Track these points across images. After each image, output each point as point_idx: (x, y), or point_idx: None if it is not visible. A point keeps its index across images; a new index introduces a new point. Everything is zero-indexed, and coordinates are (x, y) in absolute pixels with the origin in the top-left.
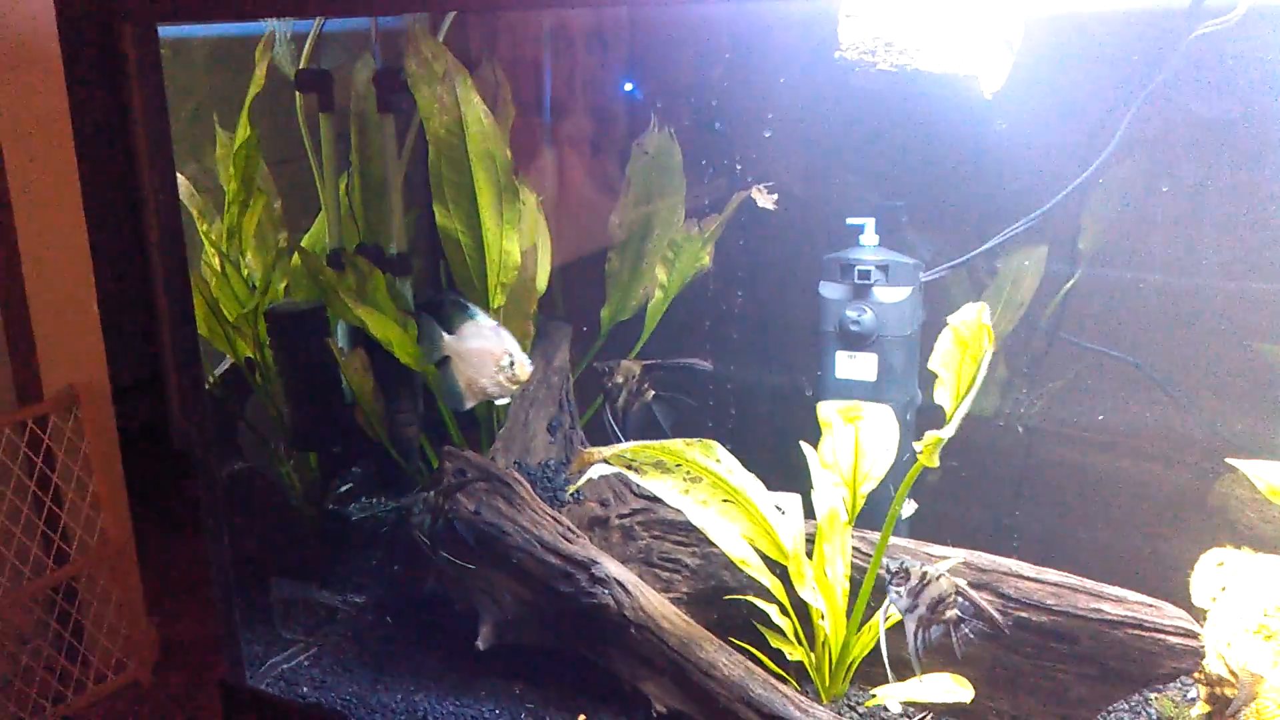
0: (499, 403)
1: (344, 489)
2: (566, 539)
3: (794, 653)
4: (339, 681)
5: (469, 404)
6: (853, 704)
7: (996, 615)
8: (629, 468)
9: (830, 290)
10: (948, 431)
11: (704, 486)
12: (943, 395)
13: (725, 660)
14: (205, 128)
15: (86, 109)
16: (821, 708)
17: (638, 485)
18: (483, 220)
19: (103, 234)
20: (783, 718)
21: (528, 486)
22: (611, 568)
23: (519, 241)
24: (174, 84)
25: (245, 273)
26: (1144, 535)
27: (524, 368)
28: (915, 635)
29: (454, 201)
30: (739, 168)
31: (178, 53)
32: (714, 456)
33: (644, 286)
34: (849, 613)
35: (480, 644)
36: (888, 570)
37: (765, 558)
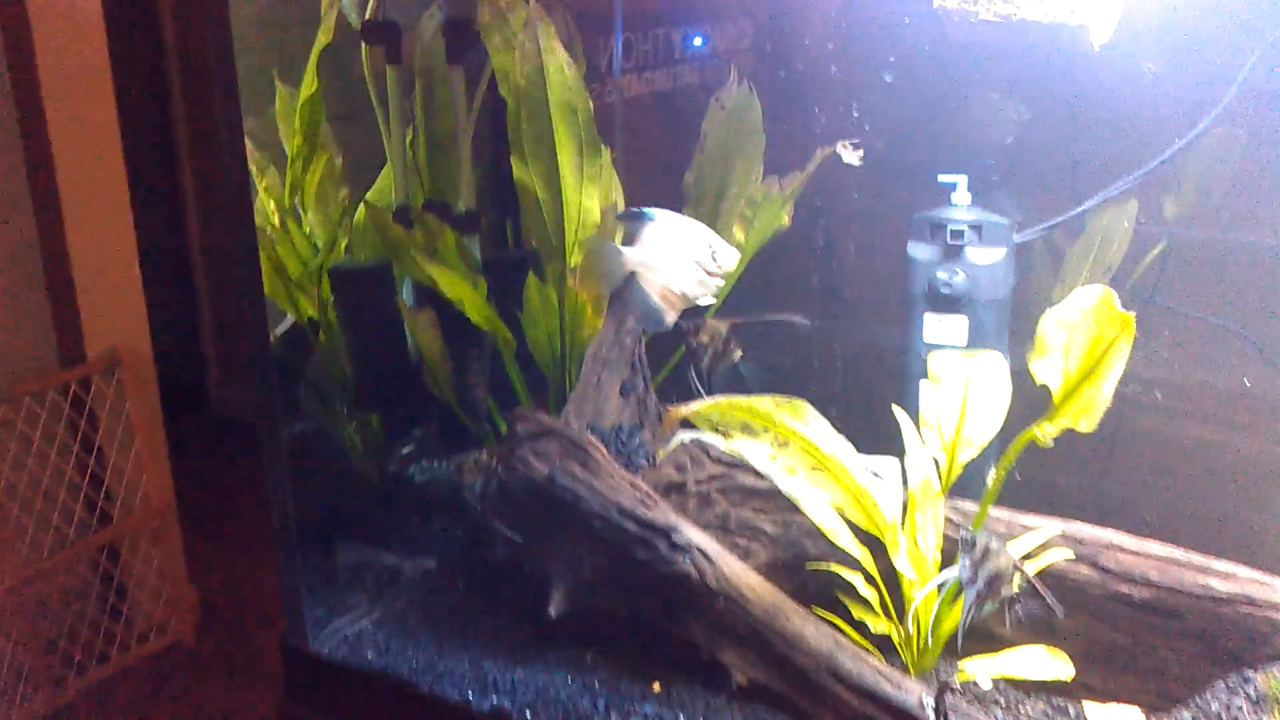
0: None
1: (407, 451)
2: (645, 504)
3: (880, 625)
4: (403, 647)
5: (671, 318)
6: (942, 678)
7: (1054, 603)
8: (714, 429)
9: (920, 250)
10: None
11: (792, 451)
12: (1050, 369)
13: (812, 631)
14: (259, 82)
15: (126, 65)
16: (912, 681)
17: (716, 450)
18: (562, 175)
19: (143, 197)
20: (872, 691)
21: (603, 450)
22: (692, 534)
23: (599, 198)
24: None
25: (307, 230)
26: (1247, 508)
27: (729, 255)
28: (969, 609)
29: (533, 155)
30: (824, 122)
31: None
32: (804, 419)
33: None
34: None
35: (552, 610)
36: (960, 540)
37: (853, 526)
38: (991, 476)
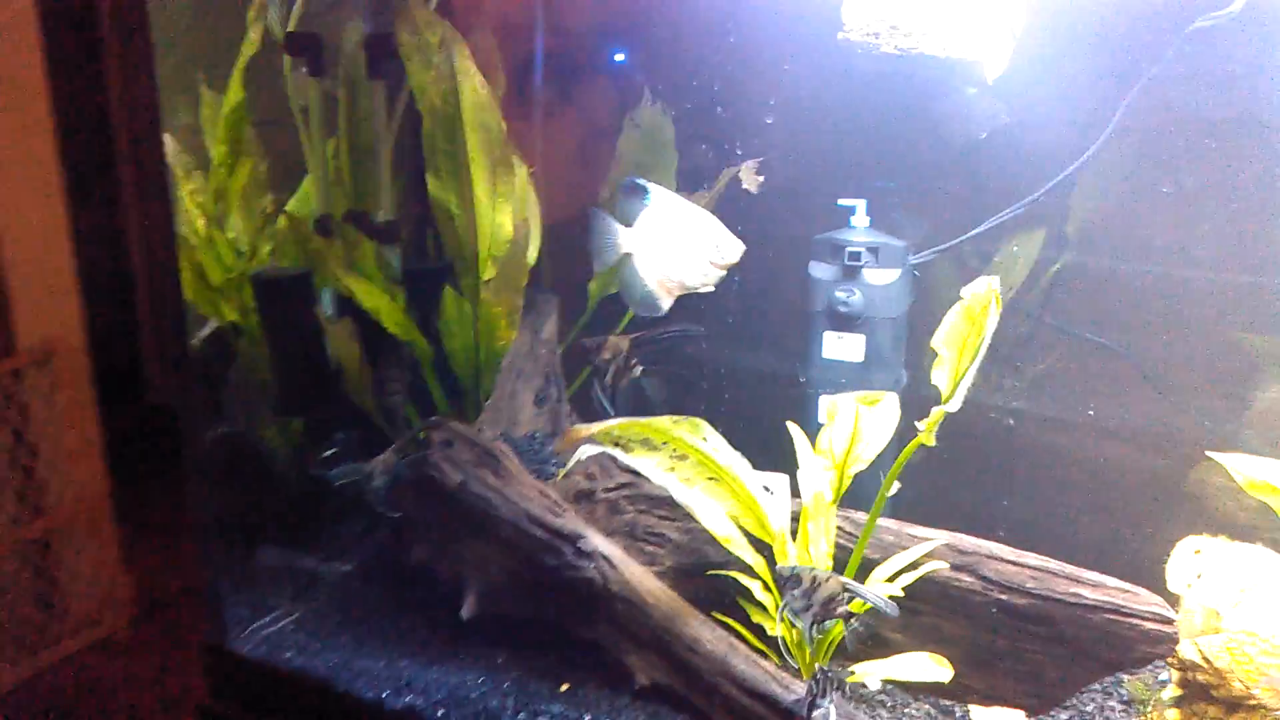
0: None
1: (328, 455)
2: (553, 512)
3: (775, 628)
4: (322, 647)
5: (666, 304)
6: (833, 680)
7: (887, 607)
8: (615, 445)
9: (820, 270)
10: (953, 406)
11: (690, 465)
12: (942, 374)
13: (709, 636)
14: (186, 83)
15: (61, 61)
16: (802, 683)
17: (622, 459)
18: (475, 192)
19: (78, 187)
20: (764, 693)
21: (515, 459)
22: (597, 541)
23: (511, 214)
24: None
25: (231, 236)
26: (1122, 521)
27: (735, 247)
28: (810, 630)
29: (447, 172)
30: (732, 146)
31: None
32: (701, 435)
33: None
34: None
35: (465, 613)
36: (780, 576)
37: (750, 535)
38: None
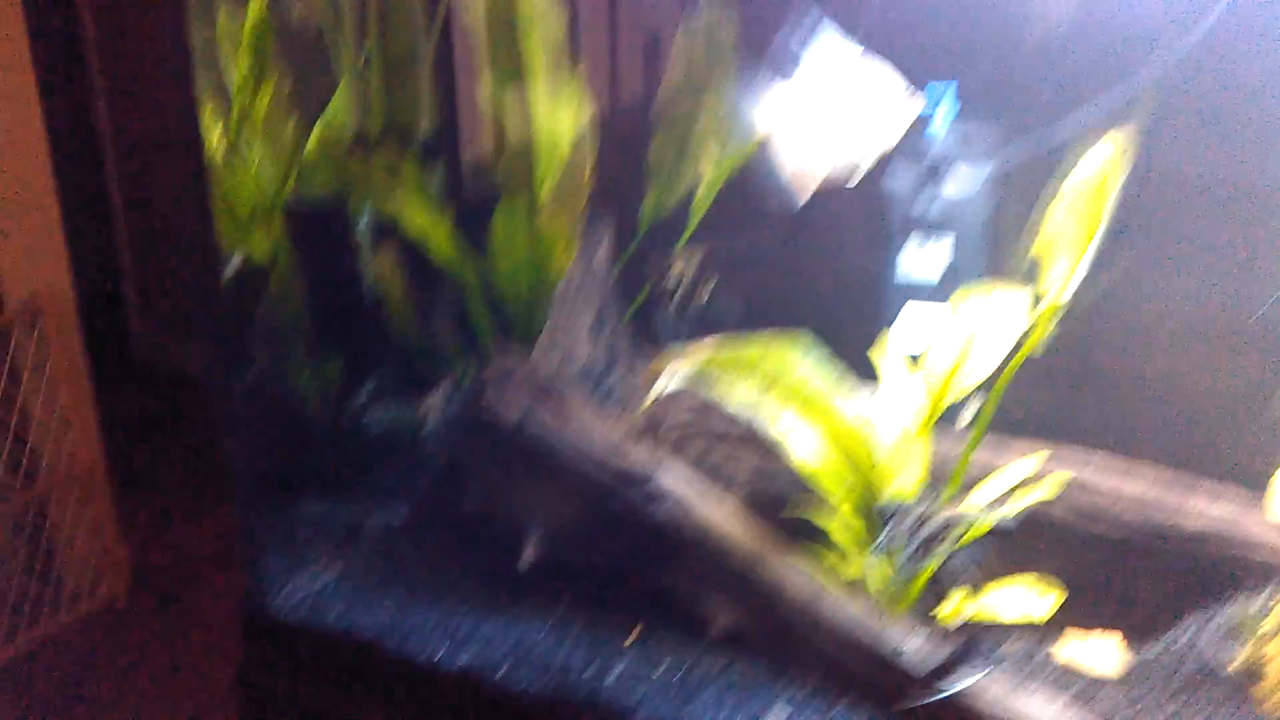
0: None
1: (365, 397)
2: (620, 451)
3: (854, 570)
4: (369, 605)
5: (802, 199)
6: (923, 619)
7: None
8: (702, 373)
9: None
10: (1064, 300)
11: (781, 391)
12: (1052, 264)
13: (794, 579)
14: None
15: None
16: (893, 627)
17: (689, 394)
18: (533, 97)
19: (61, 139)
20: (854, 636)
21: (576, 394)
22: (670, 481)
23: (572, 123)
24: None
25: (255, 163)
26: (1221, 438)
27: (911, 104)
28: (910, 564)
29: (501, 74)
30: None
31: None
32: (798, 354)
33: (689, 177)
34: None
35: (524, 563)
36: (881, 509)
37: (836, 468)
38: (977, 410)
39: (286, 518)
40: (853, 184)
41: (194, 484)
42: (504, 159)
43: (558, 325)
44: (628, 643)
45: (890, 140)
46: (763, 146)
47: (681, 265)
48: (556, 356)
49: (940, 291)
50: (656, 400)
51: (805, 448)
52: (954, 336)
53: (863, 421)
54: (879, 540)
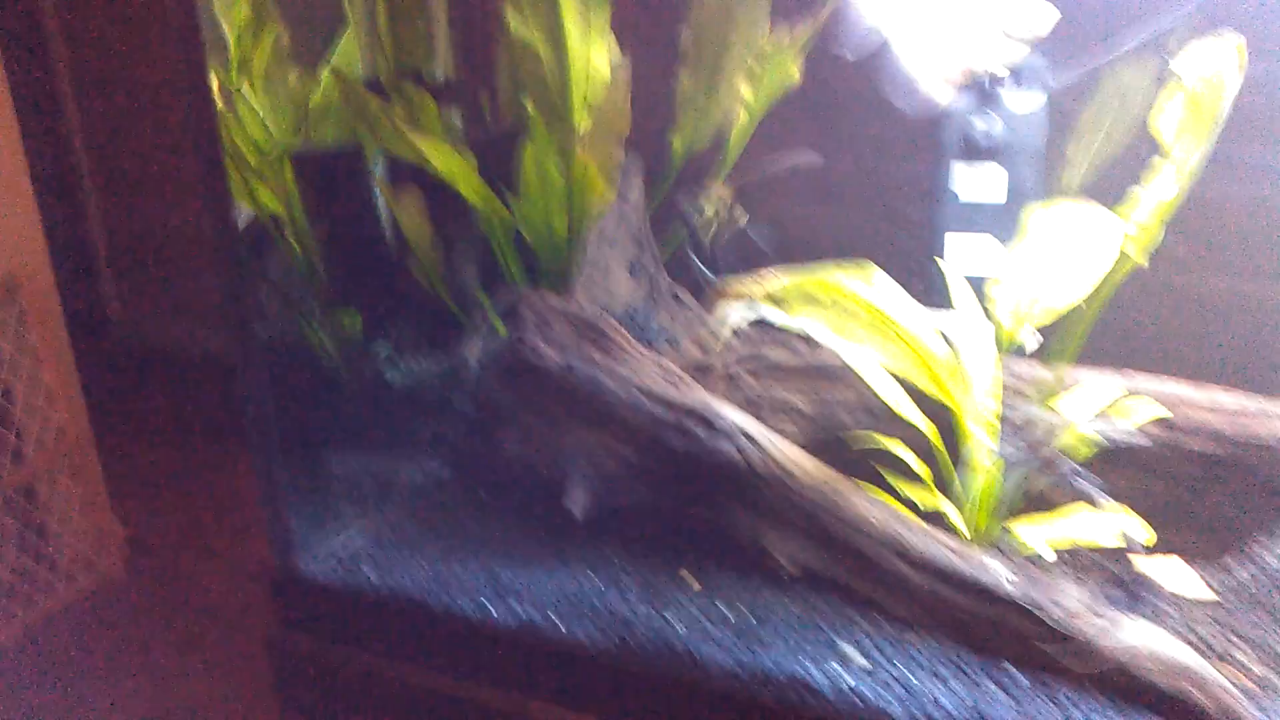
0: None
1: (390, 349)
2: (677, 387)
3: (931, 501)
4: (407, 562)
5: (941, 102)
6: (1002, 549)
7: (1135, 439)
8: (774, 303)
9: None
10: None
11: (856, 319)
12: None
13: (876, 512)
14: None
15: None
16: (987, 555)
17: (743, 327)
18: (566, 25)
19: (28, 116)
20: (946, 568)
21: (624, 331)
22: (734, 416)
23: (607, 51)
24: None
25: (260, 112)
26: None
27: (1043, 14)
28: (1017, 483)
29: (531, 5)
30: None
31: None
32: (869, 281)
33: (723, 109)
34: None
35: (575, 509)
36: (1003, 416)
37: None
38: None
39: (308, 477)
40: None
41: (184, 456)
42: (534, 90)
43: (594, 266)
44: (693, 588)
45: (1027, 44)
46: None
47: (714, 202)
48: (595, 298)
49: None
50: (732, 332)
51: (878, 377)
52: (1040, 254)
53: (945, 344)
54: (964, 465)
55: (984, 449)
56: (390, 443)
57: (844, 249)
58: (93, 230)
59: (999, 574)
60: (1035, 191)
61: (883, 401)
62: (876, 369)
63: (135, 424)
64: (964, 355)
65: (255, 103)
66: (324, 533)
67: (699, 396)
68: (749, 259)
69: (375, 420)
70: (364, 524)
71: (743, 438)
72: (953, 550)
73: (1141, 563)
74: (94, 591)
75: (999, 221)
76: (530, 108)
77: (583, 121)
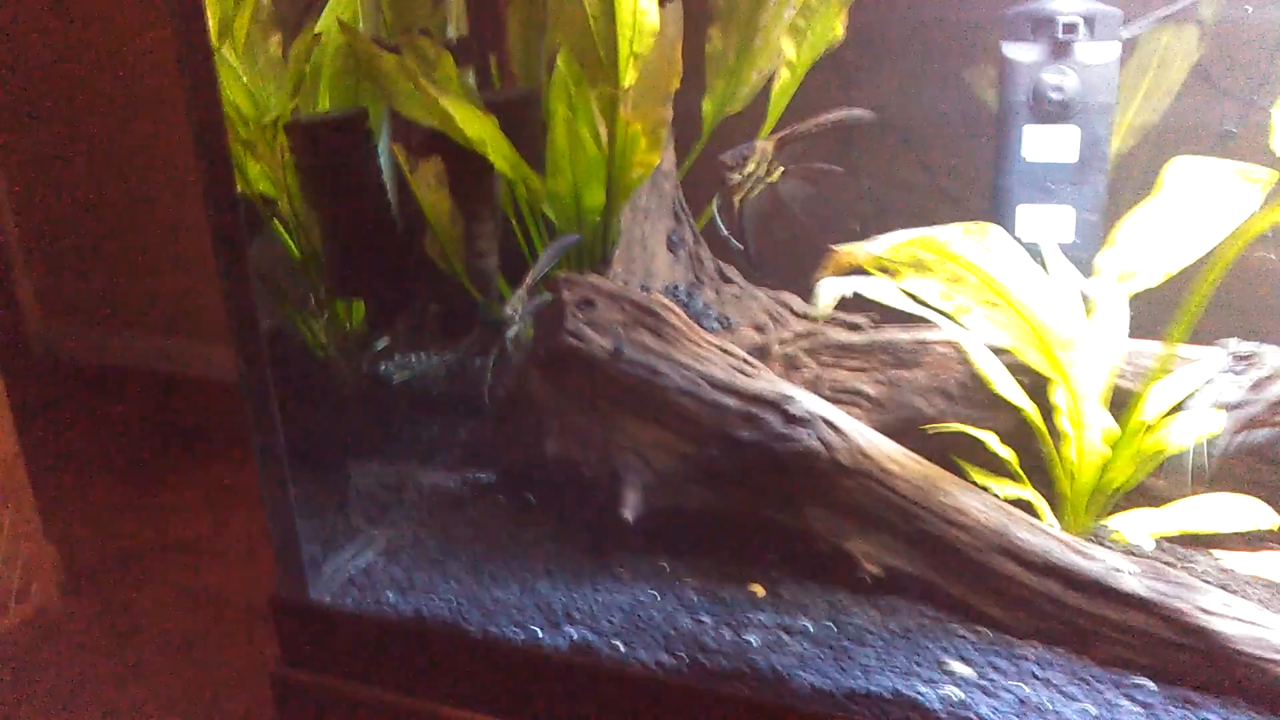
0: None
1: (380, 344)
2: (745, 372)
3: (1012, 492)
4: (432, 579)
5: None
6: (1103, 542)
7: None
8: (882, 270)
9: (1018, 51)
10: None
11: (968, 288)
12: None
13: (977, 504)
14: None
15: None
16: (1105, 549)
17: (800, 305)
18: None
19: None
20: (1063, 566)
21: (679, 312)
22: (812, 403)
23: None
24: None
25: (244, 80)
26: None
27: None
28: (1230, 439)
29: None
30: None
31: None
32: (987, 244)
33: (758, 69)
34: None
35: (627, 514)
36: (1232, 354)
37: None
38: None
39: (310, 489)
40: None
41: (122, 474)
42: (573, 40)
43: (632, 240)
44: (762, 599)
45: None
46: None
47: (759, 157)
48: (636, 276)
49: (1092, 171)
50: (753, 310)
51: (982, 354)
52: (1170, 214)
53: (1061, 318)
54: (1068, 450)
55: (1099, 432)
56: (403, 448)
57: (886, 213)
58: (9, 248)
59: (1124, 571)
60: (1107, 151)
61: (986, 380)
62: (979, 344)
63: (68, 442)
64: (1085, 329)
65: (239, 66)
66: (333, 551)
67: (770, 382)
68: (774, 217)
69: (384, 422)
70: (378, 540)
71: (824, 426)
72: (1067, 545)
73: (1239, 557)
74: (27, 623)
75: (1069, 184)
76: (562, 63)
77: (629, 76)
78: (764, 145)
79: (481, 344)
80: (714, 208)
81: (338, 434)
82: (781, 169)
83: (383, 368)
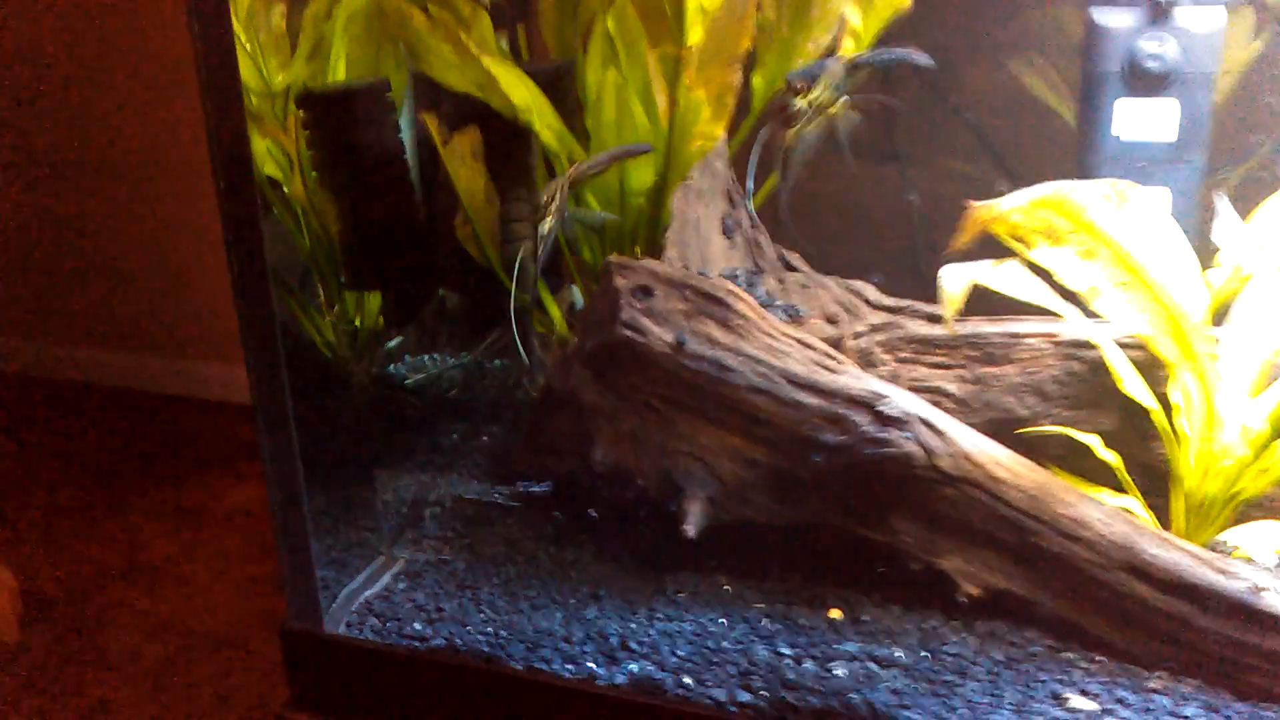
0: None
1: (395, 342)
2: (826, 368)
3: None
4: (463, 607)
5: None
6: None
7: None
8: (1014, 238)
9: (1110, 17)
10: None
11: (1101, 263)
12: None
13: (1099, 515)
14: None
15: None
16: (1247, 565)
17: (873, 294)
18: None
19: None
20: (1196, 584)
21: (751, 300)
22: (908, 402)
23: None
24: None
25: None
26: None
27: None
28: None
29: None
30: None
31: None
32: (1127, 212)
33: (814, 40)
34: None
35: (691, 531)
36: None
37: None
38: None
39: (321, 504)
40: None
41: (84, 496)
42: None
43: (685, 223)
44: (845, 624)
45: None
46: None
47: (829, 79)
48: (692, 260)
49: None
50: (823, 299)
51: (1113, 350)
52: None
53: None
54: (1192, 454)
55: (1239, 432)
56: (422, 457)
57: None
58: None
59: (1272, 590)
60: (1208, 127)
61: (1115, 377)
62: (1108, 335)
63: (26, 463)
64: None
65: (240, 32)
66: (346, 575)
67: (857, 378)
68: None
69: (399, 429)
70: (397, 562)
71: (923, 427)
72: (1203, 561)
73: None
74: None
75: (1165, 164)
76: (612, 25)
77: (695, 34)
78: (836, 67)
79: (522, 335)
80: (760, 140)
81: (348, 442)
82: (845, 99)
83: (392, 369)
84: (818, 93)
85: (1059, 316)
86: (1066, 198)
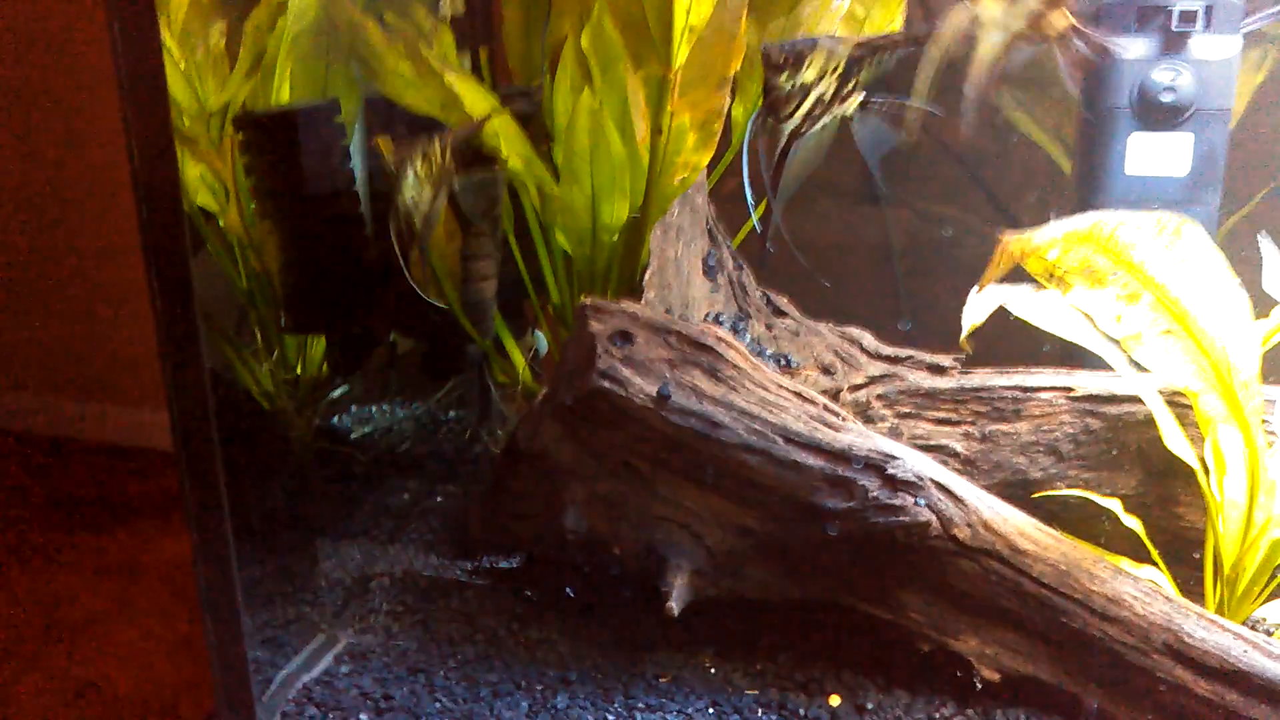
0: None
1: (339, 391)
2: (828, 424)
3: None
4: (415, 693)
5: None
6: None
7: None
8: (1050, 277)
9: (1125, 45)
10: None
11: (1143, 309)
12: None
13: (1133, 591)
14: None
15: None
16: None
17: (872, 342)
18: None
19: None
20: (1244, 670)
21: (742, 349)
22: (920, 463)
23: None
24: None
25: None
26: None
27: None
28: None
29: None
30: None
31: None
32: (1175, 251)
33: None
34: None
35: (673, 605)
36: None
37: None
38: None
39: (262, 571)
40: None
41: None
42: (625, 8)
43: (665, 262)
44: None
45: None
46: None
47: (830, 58)
48: (672, 306)
49: (1205, 186)
50: (818, 349)
51: (1157, 404)
52: None
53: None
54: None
55: None
56: (368, 520)
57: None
58: None
59: None
60: (1222, 163)
61: (1160, 433)
62: (1151, 388)
63: None
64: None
65: (174, 49)
66: (285, 658)
67: (866, 436)
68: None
69: (348, 489)
70: (338, 640)
71: (938, 492)
72: (1250, 643)
73: None
74: None
75: (1179, 200)
76: (586, 44)
77: (681, 54)
78: (832, 45)
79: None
80: (747, 134)
81: (286, 504)
82: (862, 97)
83: (336, 421)
84: (811, 76)
85: (1075, 368)
86: (1112, 234)
